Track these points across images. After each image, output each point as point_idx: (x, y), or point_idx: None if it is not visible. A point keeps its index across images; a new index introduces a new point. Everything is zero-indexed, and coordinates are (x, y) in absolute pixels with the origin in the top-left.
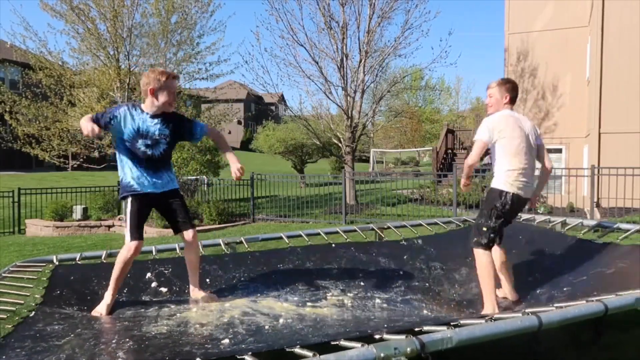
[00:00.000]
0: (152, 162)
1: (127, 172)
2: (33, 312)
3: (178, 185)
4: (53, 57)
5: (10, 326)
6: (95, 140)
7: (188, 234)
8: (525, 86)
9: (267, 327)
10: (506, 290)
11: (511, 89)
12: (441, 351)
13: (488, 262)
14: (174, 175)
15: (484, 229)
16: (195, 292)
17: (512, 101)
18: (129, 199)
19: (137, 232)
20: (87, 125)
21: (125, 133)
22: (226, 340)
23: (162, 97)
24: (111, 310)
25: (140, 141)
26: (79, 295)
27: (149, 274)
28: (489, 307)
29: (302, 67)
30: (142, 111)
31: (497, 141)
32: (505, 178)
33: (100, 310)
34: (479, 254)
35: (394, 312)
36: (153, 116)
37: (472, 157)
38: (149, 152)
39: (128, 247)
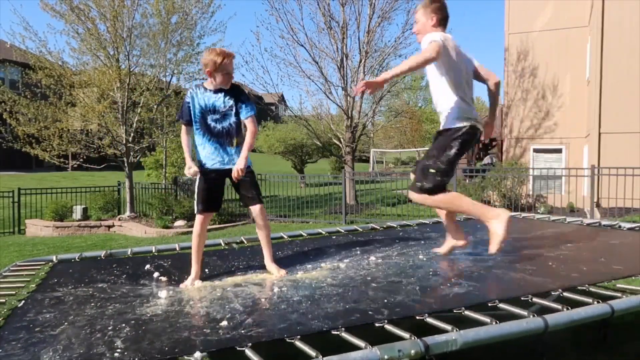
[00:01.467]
0: (222, 137)
1: (200, 151)
2: (22, 302)
3: (250, 162)
4: (53, 57)
5: (1, 319)
6: (95, 140)
7: (255, 209)
8: (525, 86)
9: (263, 299)
10: (455, 237)
11: (438, 9)
12: (446, 353)
13: (448, 196)
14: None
15: (432, 171)
16: (267, 263)
17: (442, 23)
18: (198, 176)
19: (201, 205)
20: (191, 171)
21: (196, 114)
22: (224, 322)
23: (219, 78)
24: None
25: (209, 117)
26: (73, 284)
27: (148, 265)
28: (501, 219)
29: (302, 67)
30: (205, 89)
31: (448, 65)
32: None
33: (187, 283)
34: (428, 198)
35: (389, 269)
36: (215, 91)
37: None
38: (219, 126)
39: (196, 220)
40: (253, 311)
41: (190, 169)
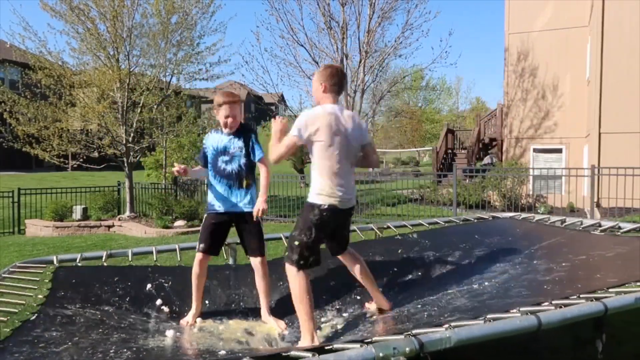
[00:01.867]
0: (231, 179)
1: (211, 192)
2: (34, 316)
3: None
4: (53, 57)
5: (8, 330)
6: (95, 140)
7: (255, 261)
8: (525, 86)
9: (261, 346)
10: (376, 300)
11: (329, 76)
12: (440, 351)
13: (303, 284)
14: (254, 197)
15: (296, 243)
16: (264, 316)
17: (333, 90)
18: (205, 216)
19: (202, 245)
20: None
21: (210, 156)
22: (222, 352)
23: (220, 119)
24: (196, 318)
25: (219, 159)
26: (80, 300)
27: (149, 285)
28: (306, 337)
29: (302, 67)
30: (221, 132)
31: (314, 142)
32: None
33: (188, 319)
34: (292, 273)
35: (389, 317)
36: (228, 134)
37: (277, 152)
38: (228, 168)
39: (195, 260)
40: (252, 349)
41: (175, 166)
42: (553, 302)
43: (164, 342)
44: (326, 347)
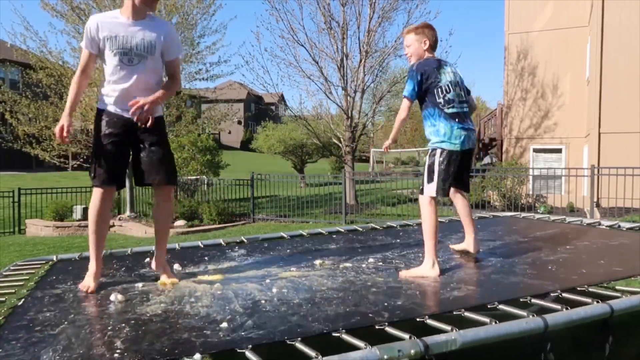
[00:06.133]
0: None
1: (444, 128)
2: (22, 300)
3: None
4: (53, 56)
5: (1, 318)
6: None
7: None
8: (525, 86)
9: (263, 301)
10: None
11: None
12: (445, 353)
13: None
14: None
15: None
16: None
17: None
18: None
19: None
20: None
21: (441, 91)
22: (224, 324)
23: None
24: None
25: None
26: (72, 283)
27: (147, 259)
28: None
29: (302, 67)
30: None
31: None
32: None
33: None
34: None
35: (389, 276)
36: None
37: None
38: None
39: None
40: (253, 313)
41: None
42: (562, 294)
43: (161, 306)
44: (333, 333)
